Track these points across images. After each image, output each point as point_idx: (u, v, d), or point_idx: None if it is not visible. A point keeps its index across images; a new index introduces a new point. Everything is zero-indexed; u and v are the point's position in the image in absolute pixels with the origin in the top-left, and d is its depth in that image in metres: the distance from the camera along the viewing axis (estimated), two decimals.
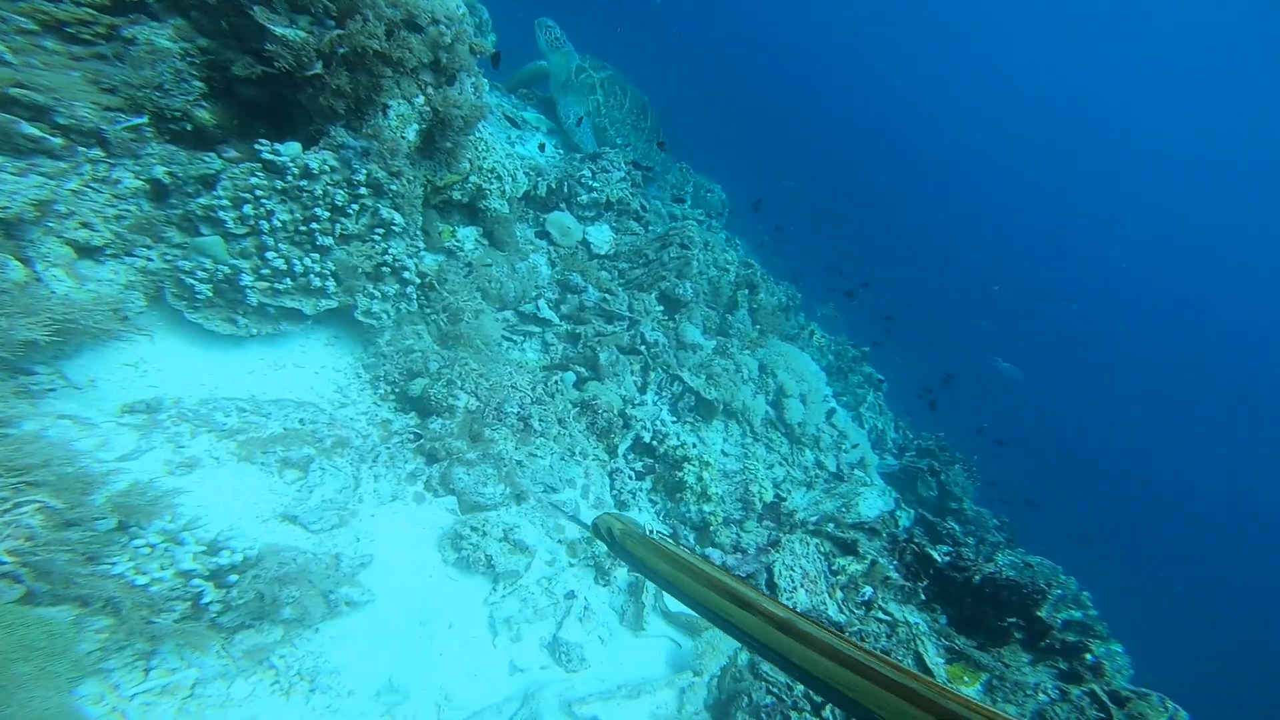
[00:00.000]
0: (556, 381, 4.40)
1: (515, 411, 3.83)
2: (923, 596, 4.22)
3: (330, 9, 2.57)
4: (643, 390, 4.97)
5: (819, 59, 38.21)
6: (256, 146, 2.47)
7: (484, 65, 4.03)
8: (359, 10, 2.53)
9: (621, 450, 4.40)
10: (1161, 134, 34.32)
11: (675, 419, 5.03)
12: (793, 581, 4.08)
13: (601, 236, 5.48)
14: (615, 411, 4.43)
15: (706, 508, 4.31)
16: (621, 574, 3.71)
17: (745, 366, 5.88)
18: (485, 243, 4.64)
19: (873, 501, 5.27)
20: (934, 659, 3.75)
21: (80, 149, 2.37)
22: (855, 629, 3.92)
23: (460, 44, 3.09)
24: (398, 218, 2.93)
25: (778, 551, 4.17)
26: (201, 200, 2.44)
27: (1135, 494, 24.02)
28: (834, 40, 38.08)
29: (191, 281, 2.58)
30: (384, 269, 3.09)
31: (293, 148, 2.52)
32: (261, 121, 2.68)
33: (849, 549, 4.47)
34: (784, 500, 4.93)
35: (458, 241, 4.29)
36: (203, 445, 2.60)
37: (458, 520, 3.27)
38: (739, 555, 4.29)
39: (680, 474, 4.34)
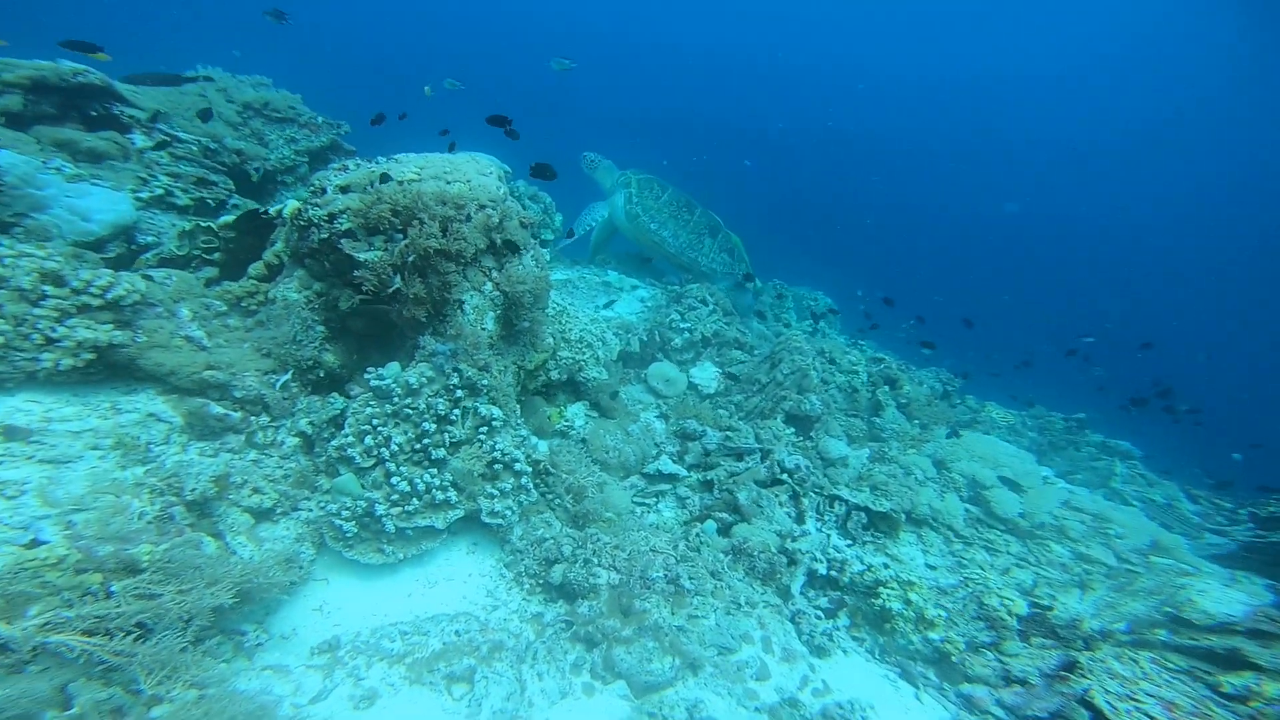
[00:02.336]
0: (698, 534, 4.01)
1: (661, 575, 3.46)
2: None
3: (395, 223, 2.88)
4: (800, 520, 4.32)
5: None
6: (366, 376, 2.88)
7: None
8: (415, 216, 2.84)
9: (796, 590, 3.70)
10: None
11: (850, 542, 4.21)
12: (1152, 717, 2.81)
13: (706, 375, 5.41)
14: (773, 550, 3.84)
15: (934, 635, 3.32)
16: None
17: (916, 467, 4.99)
18: (594, 414, 4.78)
19: (1219, 594, 3.62)
20: None
21: (253, 419, 2.93)
22: None
23: (509, 221, 3.28)
24: (496, 412, 3.12)
25: (1086, 677, 2.95)
26: (334, 442, 2.82)
27: None
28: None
29: (339, 522, 2.85)
30: (496, 466, 3.21)
31: (393, 369, 2.90)
32: (375, 351, 3.17)
33: (1229, 662, 3.05)
34: (1050, 609, 3.65)
35: (567, 421, 4.46)
36: (378, 675, 2.66)
37: (634, 708, 2.83)
38: (1021, 689, 3.12)
39: (879, 601, 3.48)
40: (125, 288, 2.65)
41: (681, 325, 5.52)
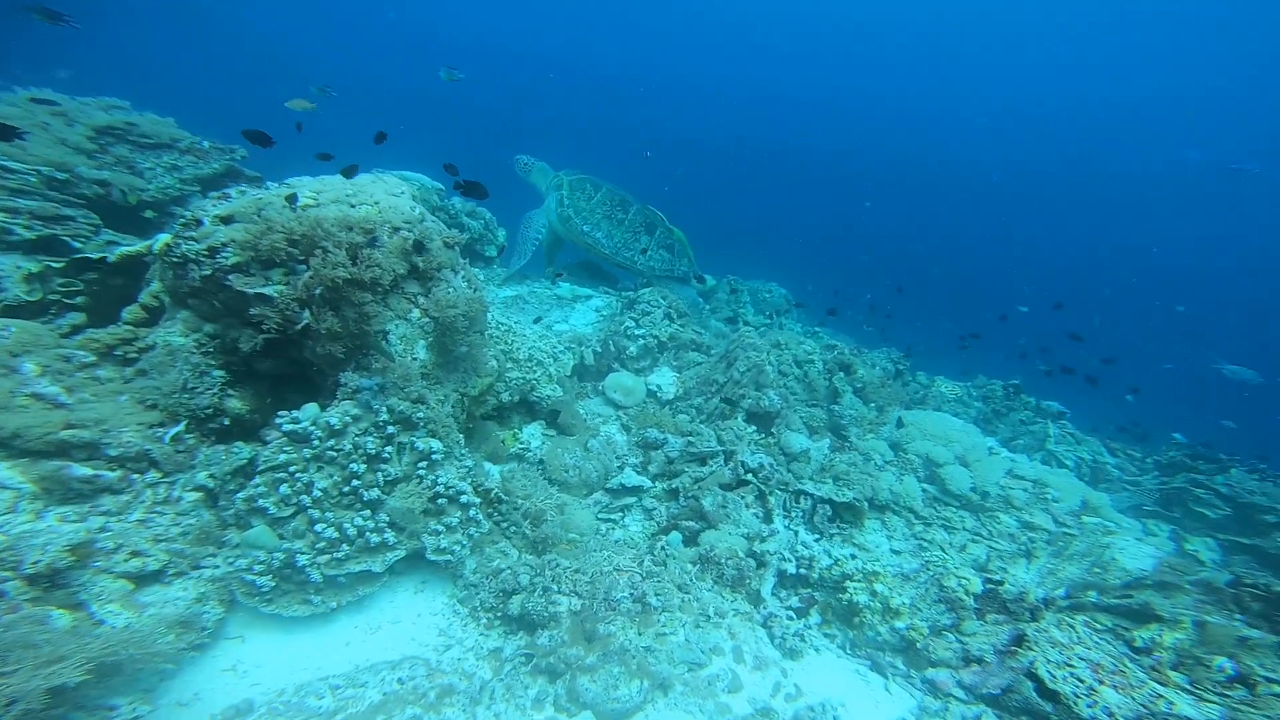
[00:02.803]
0: (663, 548, 3.89)
1: (627, 595, 3.34)
2: None
3: (294, 253, 2.66)
4: (768, 519, 4.26)
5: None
6: (278, 420, 2.65)
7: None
8: (318, 245, 2.62)
9: (766, 593, 3.64)
10: None
11: (818, 536, 4.17)
12: (1081, 680, 2.84)
13: (665, 380, 5.32)
14: (741, 554, 3.77)
15: (899, 624, 3.31)
16: None
17: (874, 453, 5.01)
18: (553, 433, 4.62)
19: (1134, 549, 3.77)
20: None
21: (135, 476, 2.63)
22: None
23: (431, 242, 3.09)
24: (436, 445, 2.93)
25: (1031, 649, 2.97)
26: (242, 494, 2.59)
27: None
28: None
29: (252, 578, 2.61)
30: (440, 501, 3.03)
31: (310, 410, 2.69)
32: (293, 392, 2.92)
33: (1141, 616, 3.11)
34: (1001, 584, 3.69)
35: (523, 444, 4.29)
36: None
37: None
38: (979, 667, 3.14)
39: (847, 595, 3.45)
40: None
41: (636, 332, 5.41)
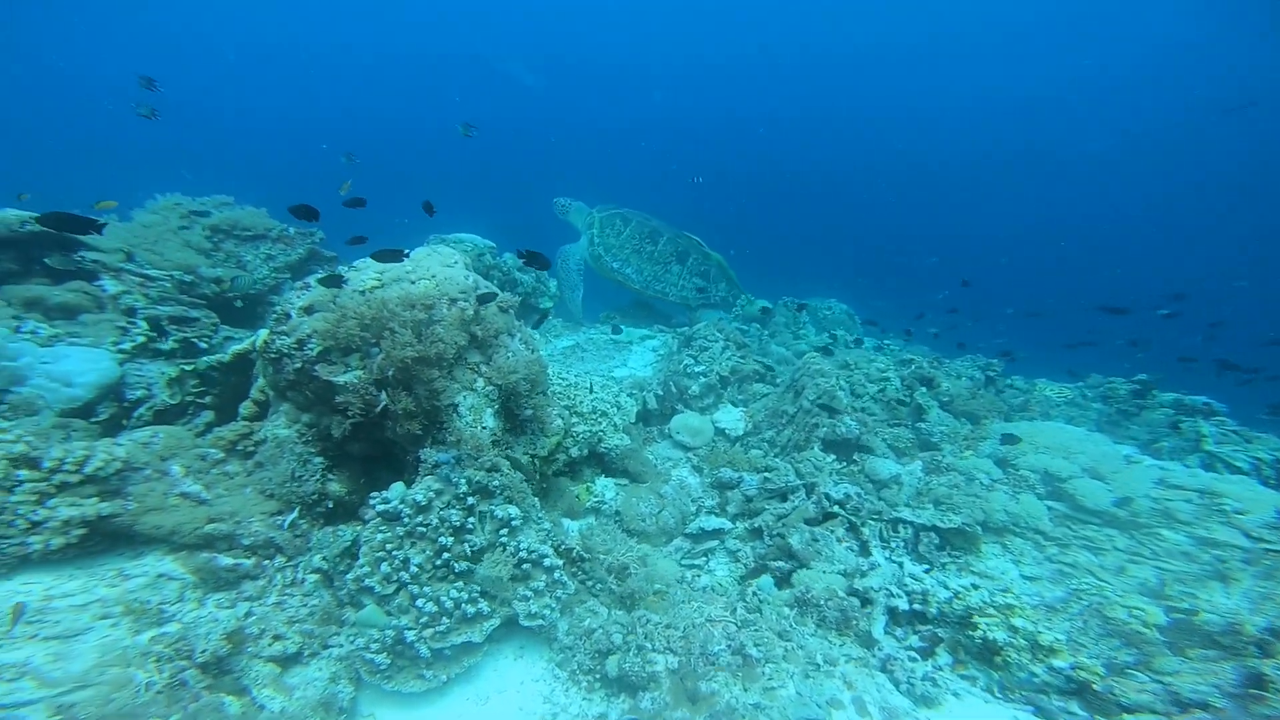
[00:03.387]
0: (754, 593, 3.67)
1: (724, 647, 3.14)
2: None
3: (366, 337, 2.76)
4: (864, 552, 3.95)
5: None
6: (371, 501, 2.71)
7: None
8: (385, 326, 2.72)
9: (878, 633, 3.31)
10: None
11: (927, 567, 3.81)
12: None
13: (732, 418, 5.16)
14: (841, 593, 3.48)
15: (1059, 662, 2.90)
16: None
17: (977, 471, 4.60)
18: (625, 482, 4.53)
19: None
20: None
21: (266, 563, 2.77)
22: None
23: (486, 309, 3.16)
24: (514, 511, 2.91)
25: None
26: (350, 574, 2.64)
27: None
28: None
29: (370, 656, 2.63)
30: (524, 566, 2.98)
31: (397, 489, 2.74)
32: (383, 470, 3.00)
33: None
34: (1196, 613, 3.19)
35: (597, 497, 4.22)
36: None
37: None
38: (1206, 715, 2.68)
39: (979, 631, 3.07)
40: (102, 459, 2.57)
41: (696, 370, 5.31)
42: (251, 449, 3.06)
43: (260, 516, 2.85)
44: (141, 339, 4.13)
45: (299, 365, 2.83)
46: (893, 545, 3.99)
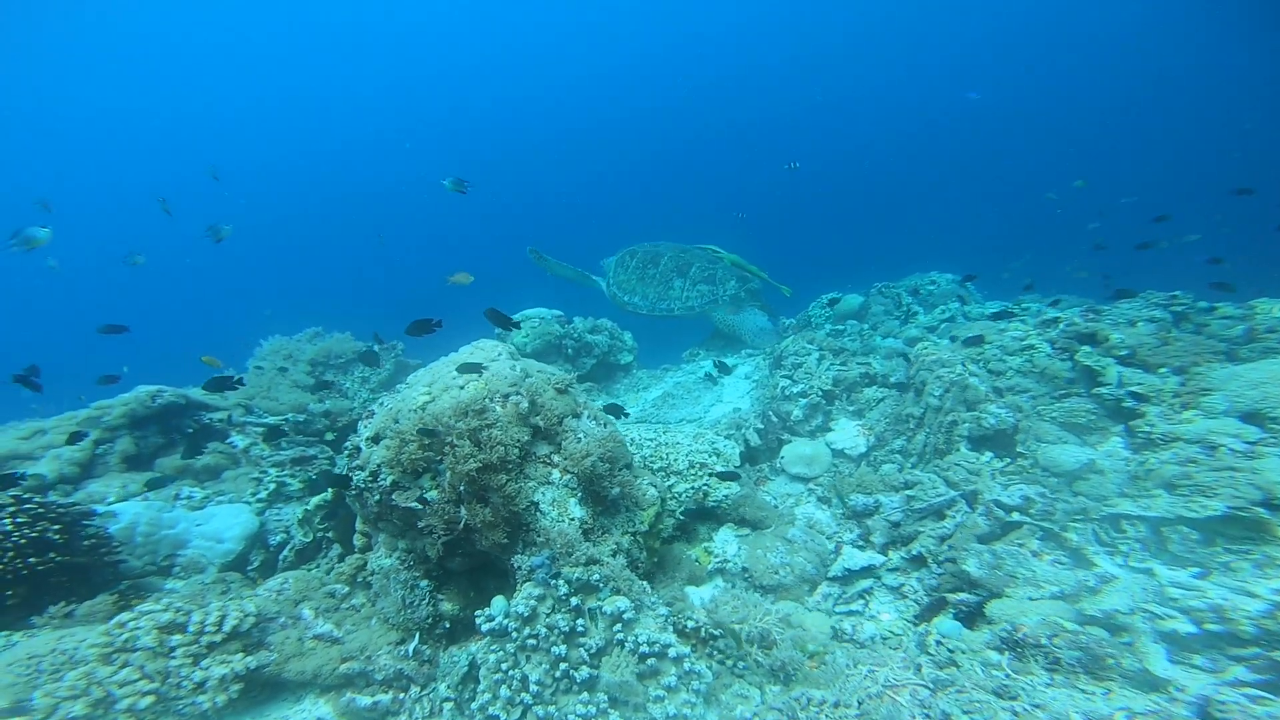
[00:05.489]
0: (937, 641, 3.01)
1: (916, 715, 2.53)
2: None
3: (431, 456, 2.69)
4: (1083, 565, 3.15)
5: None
6: (476, 621, 2.55)
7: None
8: (445, 445, 2.63)
9: (1160, 670, 2.48)
10: None
11: (1201, 571, 2.91)
12: None
13: (848, 435, 4.54)
14: (1068, 623, 2.72)
15: None
16: None
17: (1218, 435, 3.48)
18: (746, 532, 4.08)
19: None
20: None
21: (402, 695, 2.70)
22: None
23: (542, 396, 3.02)
24: (622, 603, 2.61)
25: None
26: (475, 704, 2.47)
27: None
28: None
29: None
30: (650, 661, 2.65)
31: (498, 605, 2.55)
32: (489, 579, 2.85)
33: None
34: None
35: (719, 557, 3.81)
36: None
37: None
38: None
39: None
40: (236, 616, 2.66)
41: (793, 390, 4.79)
42: (369, 579, 3.09)
43: (387, 648, 2.81)
44: (273, 485, 4.47)
45: (378, 498, 2.81)
46: (1122, 550, 3.15)
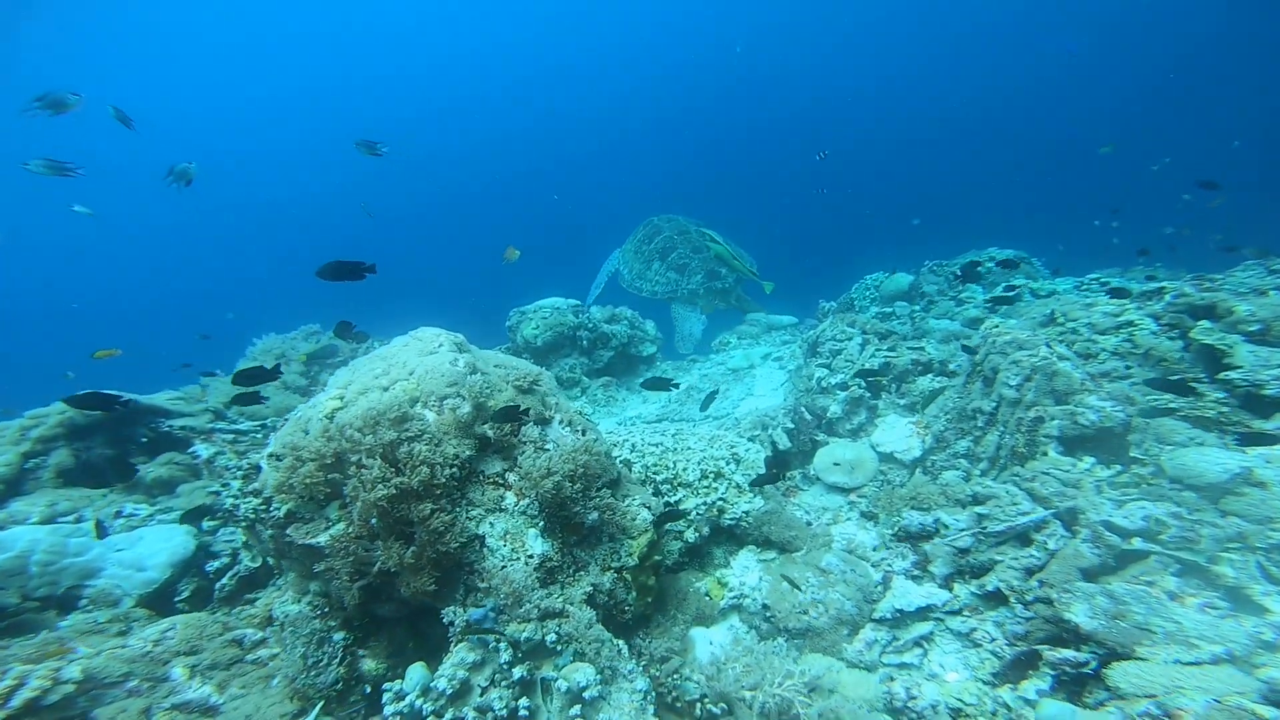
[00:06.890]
0: None
1: None
2: None
3: (336, 479, 2.09)
4: (1248, 608, 2.25)
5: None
6: (383, 698, 1.84)
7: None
8: (352, 466, 2.06)
9: None
10: None
11: None
12: None
13: (898, 434, 3.67)
14: (1252, 703, 1.84)
15: None
16: None
17: None
18: (770, 556, 3.28)
19: None
20: None
21: None
22: None
23: (498, 396, 2.38)
24: (585, 674, 1.86)
25: None
26: None
27: None
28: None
29: None
30: None
31: (414, 676, 1.80)
32: (432, 626, 2.15)
33: None
34: None
35: (737, 590, 3.03)
36: None
37: None
38: None
39: None
40: (37, 685, 1.98)
41: (831, 382, 3.94)
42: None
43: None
44: (233, 500, 3.94)
45: (270, 532, 2.16)
46: None
